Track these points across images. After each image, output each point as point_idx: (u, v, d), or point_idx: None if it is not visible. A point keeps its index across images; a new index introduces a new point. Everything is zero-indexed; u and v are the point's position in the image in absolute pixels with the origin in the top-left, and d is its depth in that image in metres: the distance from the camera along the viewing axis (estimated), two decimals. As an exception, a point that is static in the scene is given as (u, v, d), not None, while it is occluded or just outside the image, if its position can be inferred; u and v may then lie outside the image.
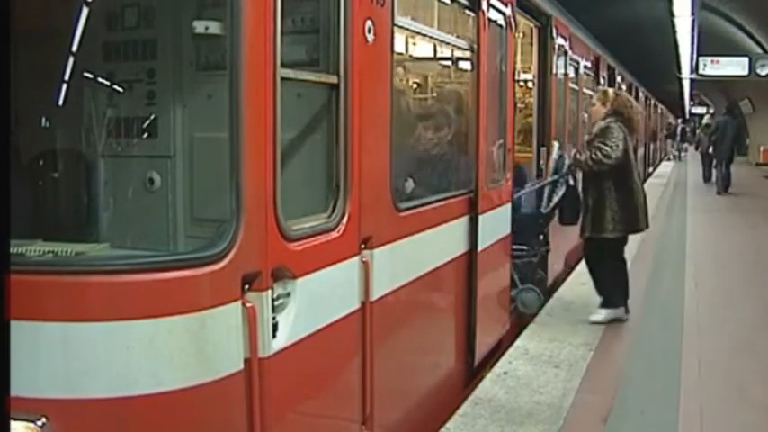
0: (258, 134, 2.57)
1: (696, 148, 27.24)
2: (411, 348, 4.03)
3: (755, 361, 5.18)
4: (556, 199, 6.40)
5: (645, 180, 21.13)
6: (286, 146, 2.88)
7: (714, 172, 18.59)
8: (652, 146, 26.36)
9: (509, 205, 5.64)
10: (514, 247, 5.93)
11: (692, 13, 17.30)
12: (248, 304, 2.53)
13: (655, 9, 19.28)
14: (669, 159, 32.64)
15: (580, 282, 7.43)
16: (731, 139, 17.86)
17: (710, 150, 18.79)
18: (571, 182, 6.40)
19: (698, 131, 28.10)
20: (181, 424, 2.45)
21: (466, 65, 5.09)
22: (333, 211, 3.13)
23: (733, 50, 21.79)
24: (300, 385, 2.93)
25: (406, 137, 4.61)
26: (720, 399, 4.47)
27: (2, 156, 1.83)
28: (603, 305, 6.12)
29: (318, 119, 3.19)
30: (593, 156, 5.70)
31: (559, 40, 7.51)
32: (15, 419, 2.11)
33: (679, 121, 44.04)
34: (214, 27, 2.59)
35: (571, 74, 8.59)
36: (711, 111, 44.60)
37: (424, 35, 4.50)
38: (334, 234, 3.10)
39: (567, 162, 6.49)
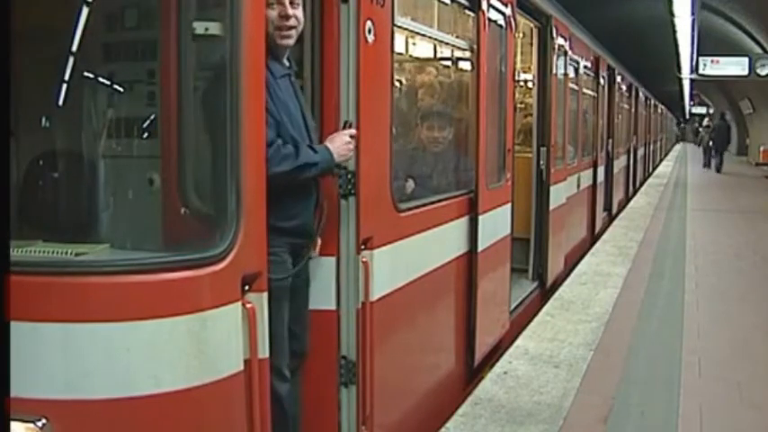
0: (258, 135, 2.58)
1: (698, 145, 36.80)
2: (411, 348, 4.03)
3: (755, 361, 5.18)
4: None
5: (645, 179, 21.18)
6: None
7: (713, 160, 26.48)
8: (652, 146, 26.35)
9: (509, 205, 5.63)
10: None
11: (692, 13, 17.32)
12: (248, 305, 2.53)
13: (655, 9, 19.29)
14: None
15: (580, 282, 7.44)
16: (724, 137, 25.96)
17: (710, 144, 27.00)
18: None
19: (701, 131, 37.27)
20: (181, 425, 2.44)
21: (466, 65, 5.08)
22: (332, 211, 3.13)
23: (733, 50, 21.83)
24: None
25: (406, 137, 4.61)
26: (720, 399, 4.47)
27: (2, 156, 1.83)
28: None
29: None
30: None
31: (559, 41, 7.51)
32: (15, 420, 2.11)
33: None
34: (214, 28, 2.59)
35: (571, 74, 8.59)
36: (711, 111, 45.20)
37: (424, 35, 4.50)
38: (334, 234, 3.10)
39: None
